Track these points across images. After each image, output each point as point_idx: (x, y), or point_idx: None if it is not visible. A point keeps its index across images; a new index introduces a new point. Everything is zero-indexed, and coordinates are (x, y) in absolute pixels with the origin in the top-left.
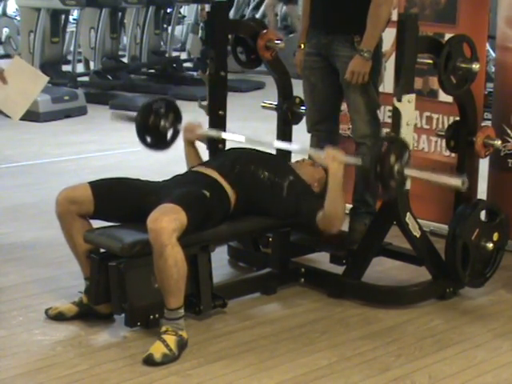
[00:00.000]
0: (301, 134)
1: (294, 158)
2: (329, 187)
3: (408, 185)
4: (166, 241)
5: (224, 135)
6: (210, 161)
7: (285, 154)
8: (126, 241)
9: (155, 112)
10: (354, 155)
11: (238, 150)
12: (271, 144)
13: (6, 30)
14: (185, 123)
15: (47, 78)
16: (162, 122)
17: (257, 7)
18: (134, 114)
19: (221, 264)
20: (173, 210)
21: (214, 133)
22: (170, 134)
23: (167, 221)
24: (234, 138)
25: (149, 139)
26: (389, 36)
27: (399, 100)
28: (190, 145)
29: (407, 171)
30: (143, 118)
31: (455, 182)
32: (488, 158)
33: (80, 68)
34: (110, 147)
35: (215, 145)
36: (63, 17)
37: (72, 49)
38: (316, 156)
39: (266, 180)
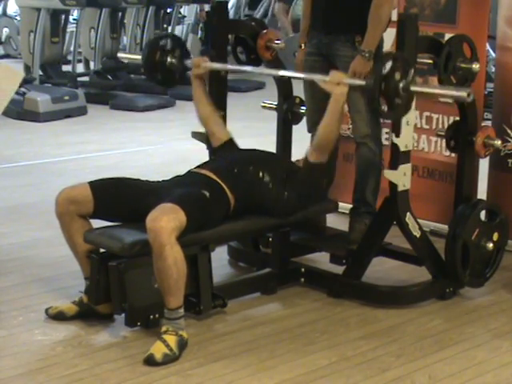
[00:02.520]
0: (301, 134)
1: (293, 157)
2: (328, 110)
3: (408, 185)
4: (165, 240)
5: (230, 68)
6: (209, 162)
7: (286, 150)
8: (126, 241)
9: (162, 48)
10: (355, 155)
11: (237, 150)
12: (276, 73)
13: (6, 30)
14: (193, 58)
15: (23, 75)
16: (169, 58)
17: (253, 7)
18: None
19: (221, 264)
20: (172, 210)
21: (219, 66)
22: (178, 69)
23: (166, 220)
24: (239, 69)
25: (158, 75)
26: (389, 36)
27: None
28: (198, 80)
29: (413, 87)
30: (150, 56)
31: (461, 93)
32: (488, 158)
33: (80, 68)
34: (110, 147)
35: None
36: (63, 17)
37: (72, 49)
38: (320, 80)
39: (266, 180)
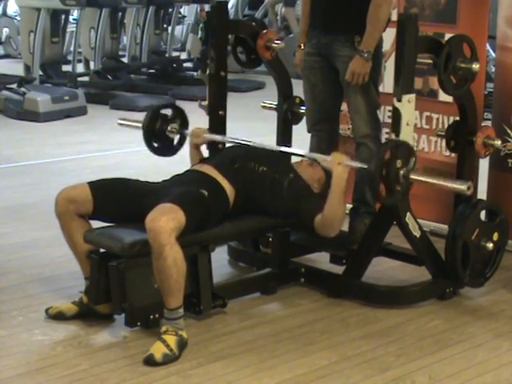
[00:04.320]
0: (301, 134)
1: (293, 159)
2: (331, 191)
3: None
4: (164, 240)
5: (229, 139)
6: (209, 158)
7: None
8: (126, 241)
9: (162, 118)
10: (354, 155)
11: (238, 147)
12: (276, 148)
13: (5, 30)
14: (192, 128)
15: None
16: (169, 128)
17: (255, 7)
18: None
19: (221, 264)
20: (171, 210)
21: (219, 138)
22: (176, 139)
23: (165, 220)
24: (239, 142)
25: (156, 145)
26: (389, 36)
27: (399, 100)
28: (195, 149)
29: (413, 175)
30: (150, 125)
31: (461, 186)
32: (488, 158)
33: (80, 68)
34: (110, 147)
35: (215, 145)
36: (63, 17)
37: (72, 49)
38: (321, 159)
39: (266, 177)
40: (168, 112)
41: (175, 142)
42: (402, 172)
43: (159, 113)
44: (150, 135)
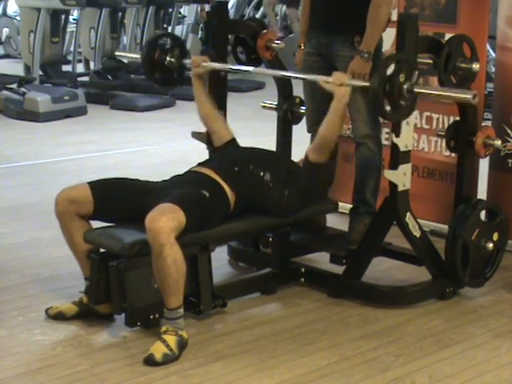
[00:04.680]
0: (301, 134)
1: (294, 157)
2: (330, 111)
3: (408, 185)
4: (164, 240)
5: (228, 68)
6: (209, 161)
7: (286, 149)
8: (126, 241)
9: (160, 48)
10: (355, 155)
11: (238, 149)
12: (278, 73)
13: (6, 30)
14: (192, 57)
15: None
16: (168, 58)
17: (257, 7)
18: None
19: (221, 264)
20: (171, 210)
21: (219, 66)
22: (177, 68)
23: (165, 220)
24: (240, 69)
25: (157, 75)
26: (389, 36)
27: None
28: (198, 80)
29: (417, 89)
30: (148, 55)
31: (466, 95)
32: (488, 158)
33: (80, 68)
34: (110, 147)
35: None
36: (63, 17)
37: (72, 49)
38: (323, 81)
39: (267, 179)
40: (167, 42)
41: (176, 72)
42: (405, 86)
43: (157, 43)
44: (150, 66)
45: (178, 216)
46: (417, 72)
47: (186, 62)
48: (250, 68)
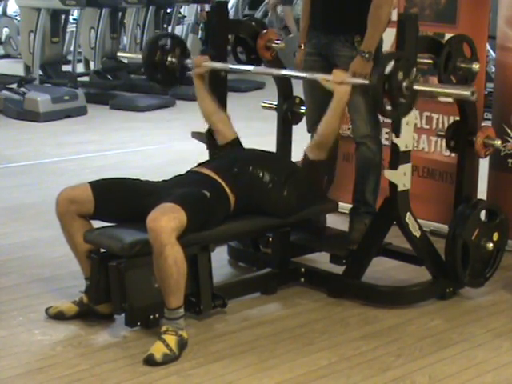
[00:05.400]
0: (301, 134)
1: (294, 157)
2: (330, 108)
3: (408, 185)
4: (165, 240)
5: (229, 68)
6: (209, 161)
7: (285, 150)
8: (126, 241)
9: (161, 49)
10: (355, 155)
11: (238, 150)
12: (278, 72)
13: (6, 30)
14: (193, 57)
15: None
16: (170, 58)
17: (255, 7)
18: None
19: (221, 264)
20: (172, 210)
21: (220, 65)
22: (178, 68)
23: (166, 220)
24: (240, 68)
25: (158, 75)
26: (389, 36)
27: None
28: (199, 80)
29: (416, 86)
30: (150, 56)
31: (465, 92)
32: (488, 158)
33: (80, 68)
34: (110, 147)
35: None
36: (63, 17)
37: (72, 49)
38: (323, 79)
39: (266, 180)
40: (167, 42)
41: (177, 72)
42: (404, 84)
43: (158, 44)
44: (151, 66)
45: (180, 216)
46: (415, 69)
47: (187, 61)
48: (250, 67)
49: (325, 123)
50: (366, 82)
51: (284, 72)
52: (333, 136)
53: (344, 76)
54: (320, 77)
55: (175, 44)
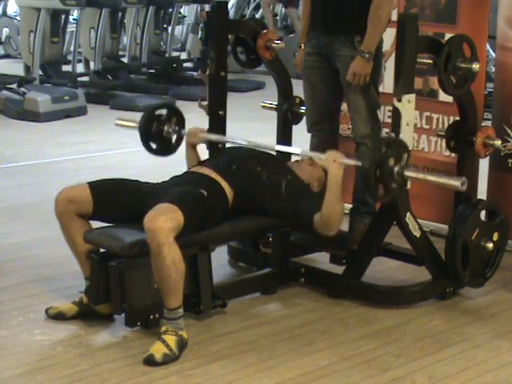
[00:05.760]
0: (301, 134)
1: (293, 158)
2: (328, 189)
3: (408, 185)
4: (162, 240)
5: (226, 139)
6: (207, 160)
7: (284, 154)
8: (126, 241)
9: (158, 118)
10: (354, 155)
11: (236, 148)
12: (272, 147)
13: (6, 30)
14: (188, 128)
15: None
16: (166, 128)
17: (257, 7)
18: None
19: (221, 264)
20: (169, 210)
21: (216, 137)
22: (174, 139)
23: (163, 220)
24: (235, 141)
25: (153, 145)
26: (389, 36)
27: (399, 100)
28: (192, 148)
29: (407, 173)
30: (146, 126)
31: (455, 182)
32: (488, 158)
33: (80, 68)
34: (110, 147)
35: (215, 145)
36: (63, 17)
37: (72, 49)
38: (317, 158)
39: (264, 178)
40: (164, 112)
41: (173, 141)
42: (396, 169)
43: (155, 114)
44: (147, 136)
45: (177, 216)
46: (406, 154)
47: (183, 132)
48: (244, 142)
49: (326, 205)
50: (359, 163)
51: (278, 148)
52: (336, 216)
53: (337, 155)
54: (313, 155)
55: (172, 114)
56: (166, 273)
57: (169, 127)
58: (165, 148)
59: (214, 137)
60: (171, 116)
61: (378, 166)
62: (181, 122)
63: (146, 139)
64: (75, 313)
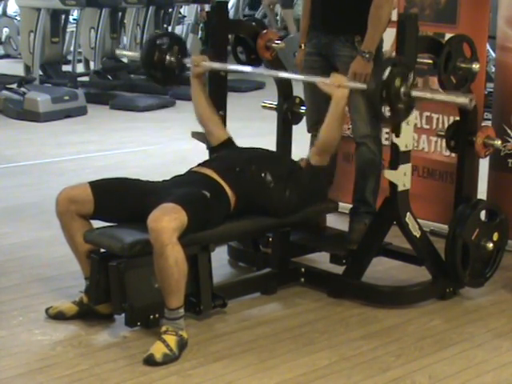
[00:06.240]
0: (301, 134)
1: (294, 155)
2: (329, 112)
3: (408, 185)
4: (166, 240)
5: (228, 68)
6: (209, 161)
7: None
8: (126, 240)
9: (159, 48)
10: (355, 155)
11: (239, 150)
12: (276, 74)
13: (6, 30)
14: (191, 56)
15: None
16: (168, 56)
17: (255, 7)
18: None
19: (221, 264)
20: (173, 210)
21: (218, 65)
22: (176, 67)
23: (168, 220)
24: (238, 69)
25: (157, 73)
26: (389, 36)
27: None
28: (196, 80)
29: (414, 93)
30: (148, 56)
31: (462, 99)
32: (488, 158)
33: (80, 68)
34: (110, 147)
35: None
36: (63, 17)
37: (72, 49)
38: (321, 82)
39: (268, 180)
40: (166, 41)
41: (176, 72)
42: (402, 90)
43: (156, 43)
44: (149, 65)
45: (181, 216)
46: (412, 74)
47: (186, 61)
48: (249, 68)
49: (325, 128)
50: (364, 86)
51: (282, 74)
52: (334, 141)
53: (342, 79)
54: (318, 80)
55: (174, 43)
56: (168, 272)
57: (171, 56)
58: (169, 78)
59: (216, 65)
60: (173, 45)
61: (384, 87)
62: (183, 51)
63: (148, 68)
64: (75, 313)
